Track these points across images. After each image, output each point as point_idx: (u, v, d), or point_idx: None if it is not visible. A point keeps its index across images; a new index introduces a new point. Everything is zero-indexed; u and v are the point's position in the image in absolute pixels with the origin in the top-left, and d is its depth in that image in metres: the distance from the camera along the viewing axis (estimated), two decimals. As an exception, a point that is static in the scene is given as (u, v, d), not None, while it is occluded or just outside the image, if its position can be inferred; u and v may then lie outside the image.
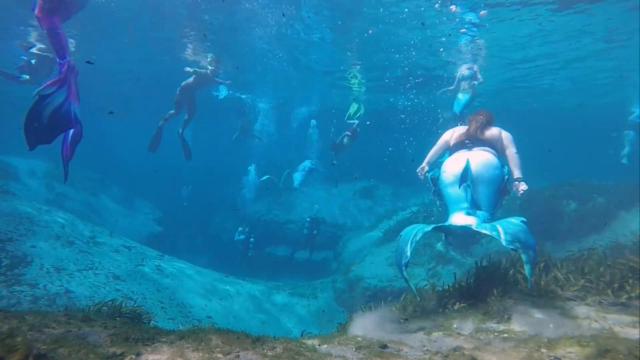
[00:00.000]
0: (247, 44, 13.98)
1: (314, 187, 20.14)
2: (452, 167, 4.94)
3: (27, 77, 10.14)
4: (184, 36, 13.80)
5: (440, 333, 3.71)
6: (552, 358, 2.83)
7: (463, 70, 12.74)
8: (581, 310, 3.87)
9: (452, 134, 5.48)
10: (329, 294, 12.36)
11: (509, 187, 5.03)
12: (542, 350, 2.97)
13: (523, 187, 4.88)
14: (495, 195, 4.85)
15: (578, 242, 8.20)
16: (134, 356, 2.69)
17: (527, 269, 3.93)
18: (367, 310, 5.11)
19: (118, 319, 4.22)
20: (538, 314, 3.85)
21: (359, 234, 16.47)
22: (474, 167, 4.76)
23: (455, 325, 3.88)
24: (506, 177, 5.00)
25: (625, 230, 7.24)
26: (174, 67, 17.12)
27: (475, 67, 12.94)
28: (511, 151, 5.08)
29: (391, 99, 22.58)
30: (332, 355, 3.06)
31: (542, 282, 4.57)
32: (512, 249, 3.97)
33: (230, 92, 17.45)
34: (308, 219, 16.75)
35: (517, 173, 4.99)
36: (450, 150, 5.43)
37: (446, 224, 4.68)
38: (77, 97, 3.93)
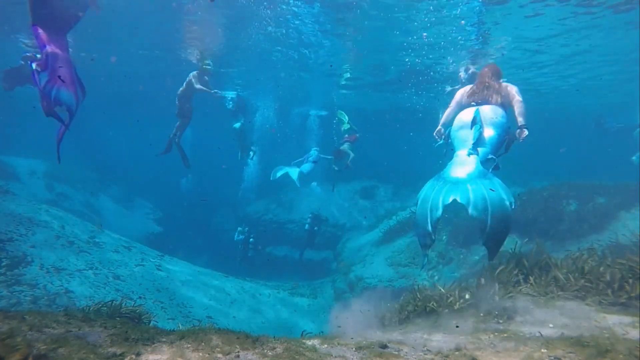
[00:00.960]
0: (245, 41, 13.94)
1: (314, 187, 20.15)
2: (463, 116, 5.52)
3: (22, 62, 9.96)
4: (184, 37, 13.82)
5: (440, 333, 3.71)
6: (552, 358, 2.83)
7: (462, 73, 12.73)
8: (581, 310, 3.87)
9: (462, 93, 5.85)
10: (329, 294, 12.36)
11: (514, 136, 5.48)
12: (542, 350, 2.97)
13: (525, 133, 5.30)
14: (499, 138, 5.33)
15: (578, 242, 8.19)
16: (134, 356, 2.69)
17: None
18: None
19: (118, 319, 4.23)
20: (538, 314, 3.85)
21: (358, 234, 16.47)
22: (482, 114, 5.33)
23: (455, 325, 3.88)
24: (510, 130, 5.48)
25: (625, 230, 7.23)
26: (172, 68, 17.17)
27: (472, 69, 12.93)
28: (517, 101, 5.45)
29: (392, 98, 22.59)
30: (332, 355, 3.06)
31: (542, 282, 4.57)
32: (483, 241, 4.59)
33: (235, 94, 17.00)
34: (310, 215, 16.74)
35: (521, 120, 5.38)
36: (461, 108, 5.85)
37: (448, 201, 4.87)
38: (70, 83, 4.35)
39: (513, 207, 4.56)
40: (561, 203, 10.39)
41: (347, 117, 12.68)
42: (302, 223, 18.06)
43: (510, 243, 9.23)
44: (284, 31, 12.87)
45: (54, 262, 7.97)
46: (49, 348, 2.52)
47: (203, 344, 2.98)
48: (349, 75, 18.31)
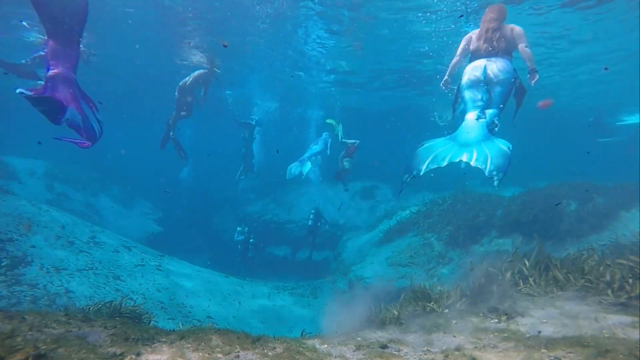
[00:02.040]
0: (244, 40, 13.95)
1: (314, 187, 20.12)
2: (470, 73, 5.65)
3: (24, 61, 9.88)
4: (185, 36, 13.83)
5: (440, 333, 3.71)
6: (552, 358, 2.83)
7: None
8: (581, 310, 3.87)
9: (469, 40, 5.91)
10: (329, 294, 12.35)
11: (523, 88, 5.74)
12: (542, 350, 2.97)
13: (536, 77, 5.53)
14: (504, 94, 5.57)
15: (578, 242, 8.18)
16: (134, 356, 2.69)
17: (495, 183, 5.06)
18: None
19: (118, 319, 4.22)
20: (538, 314, 3.85)
21: (358, 234, 16.45)
22: (489, 71, 5.49)
23: (455, 325, 3.88)
24: (517, 80, 5.67)
25: (625, 230, 7.22)
26: (173, 67, 17.18)
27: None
28: (522, 46, 5.54)
29: (393, 99, 22.59)
30: (332, 355, 3.06)
31: (542, 282, 4.57)
32: (488, 176, 5.02)
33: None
34: (313, 211, 16.71)
35: (530, 65, 5.51)
36: (470, 56, 5.97)
37: (455, 159, 5.35)
38: (71, 100, 4.27)
39: (510, 149, 5.13)
40: (561, 203, 10.38)
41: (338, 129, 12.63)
42: (301, 223, 18.04)
43: (511, 243, 9.26)
44: (286, 29, 12.88)
45: (54, 262, 7.97)
46: (49, 348, 2.52)
47: (203, 344, 2.99)
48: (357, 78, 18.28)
